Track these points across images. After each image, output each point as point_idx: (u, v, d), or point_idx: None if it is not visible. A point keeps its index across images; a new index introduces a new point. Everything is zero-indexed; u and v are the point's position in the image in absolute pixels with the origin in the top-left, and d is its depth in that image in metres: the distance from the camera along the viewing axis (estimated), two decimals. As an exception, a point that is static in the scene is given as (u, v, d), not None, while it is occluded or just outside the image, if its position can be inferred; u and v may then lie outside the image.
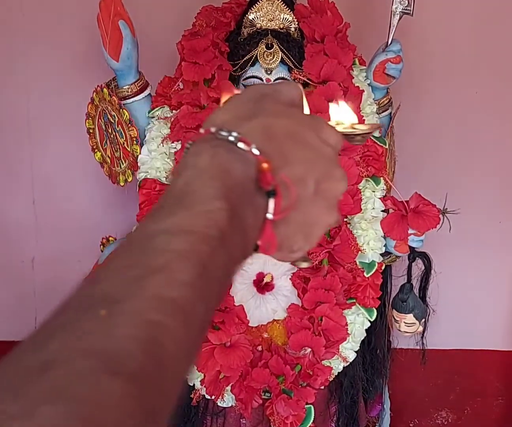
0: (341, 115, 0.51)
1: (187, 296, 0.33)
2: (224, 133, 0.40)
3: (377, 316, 1.25)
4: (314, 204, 0.42)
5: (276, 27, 1.21)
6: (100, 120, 1.30)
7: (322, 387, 1.24)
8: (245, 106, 0.42)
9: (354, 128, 0.50)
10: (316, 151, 0.42)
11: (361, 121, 1.17)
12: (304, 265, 0.47)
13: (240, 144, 0.39)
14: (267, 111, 0.42)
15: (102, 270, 0.35)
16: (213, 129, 0.40)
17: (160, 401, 0.30)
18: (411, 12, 1.21)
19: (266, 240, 0.41)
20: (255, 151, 0.39)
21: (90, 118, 1.32)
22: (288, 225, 0.41)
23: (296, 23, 1.23)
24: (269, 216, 0.40)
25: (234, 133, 0.40)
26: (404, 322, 1.31)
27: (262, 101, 0.43)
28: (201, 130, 0.42)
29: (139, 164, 1.24)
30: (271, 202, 0.40)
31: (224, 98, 0.45)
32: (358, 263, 1.20)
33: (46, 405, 0.26)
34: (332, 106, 0.52)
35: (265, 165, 0.39)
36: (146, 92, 1.26)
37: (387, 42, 1.23)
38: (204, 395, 1.24)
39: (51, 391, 0.27)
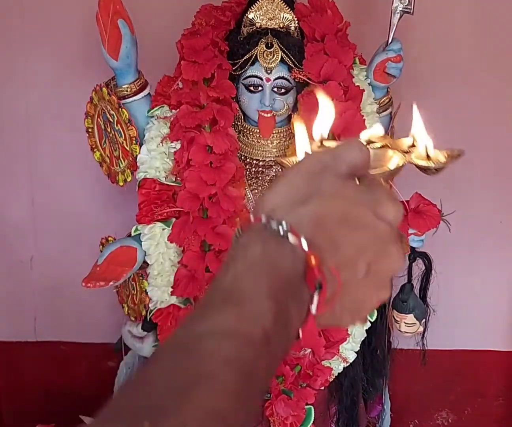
0: (419, 131, 0.47)
1: (231, 407, 0.33)
2: (274, 225, 0.39)
3: (377, 316, 1.24)
4: (364, 286, 0.41)
5: (276, 26, 1.21)
6: (99, 119, 1.29)
7: (322, 388, 1.23)
8: (300, 185, 0.41)
9: (430, 158, 0.46)
10: (370, 232, 0.40)
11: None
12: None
13: (290, 238, 0.38)
14: (322, 193, 0.40)
15: (148, 372, 0.35)
16: (263, 219, 0.40)
17: None
18: (412, 11, 1.21)
19: (308, 332, 0.40)
20: (305, 247, 0.38)
21: (89, 117, 1.31)
22: (333, 310, 0.40)
23: (296, 22, 1.22)
24: (313, 310, 0.39)
25: (284, 226, 0.39)
26: (405, 322, 1.31)
27: (320, 177, 0.41)
28: (251, 217, 0.41)
29: (138, 164, 1.23)
30: (316, 297, 0.39)
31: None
32: (358, 263, 1.20)
33: None
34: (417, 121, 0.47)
35: (313, 261, 0.38)
36: (146, 92, 1.25)
37: (388, 41, 1.23)
38: (203, 396, 1.24)
39: None
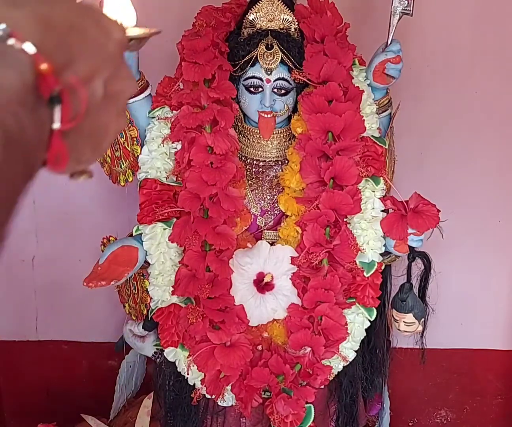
0: (117, 12, 0.43)
1: None
2: None
3: (376, 315, 1.25)
4: (104, 110, 0.37)
5: (276, 28, 1.22)
6: (100, 120, 1.30)
7: (322, 386, 1.24)
8: None
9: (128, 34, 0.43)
10: (100, 46, 0.36)
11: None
12: (83, 178, 0.41)
13: (11, 41, 0.31)
14: None
15: None
16: None
17: None
18: (411, 13, 1.22)
19: (55, 153, 0.35)
20: (31, 49, 0.32)
21: (90, 118, 1.32)
22: (78, 134, 0.36)
23: (296, 23, 1.23)
24: (56, 126, 0.34)
25: (2, 26, 0.31)
26: (404, 322, 1.31)
27: None
28: None
29: (139, 164, 1.24)
30: (57, 111, 0.33)
31: None
32: (358, 263, 1.21)
33: None
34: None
35: (44, 66, 0.32)
36: (147, 93, 1.26)
37: (387, 42, 1.23)
38: (204, 395, 1.25)
39: None
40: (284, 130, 1.28)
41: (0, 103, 0.31)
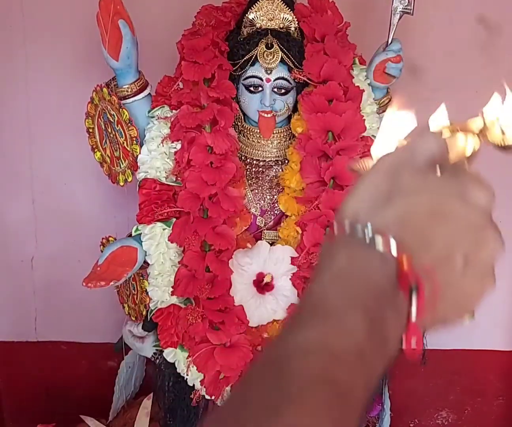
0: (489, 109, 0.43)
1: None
2: (359, 231, 0.37)
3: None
4: (466, 278, 0.38)
5: (276, 27, 1.21)
6: (99, 119, 1.29)
7: (322, 387, 1.24)
8: (379, 186, 0.39)
9: (504, 134, 0.44)
10: (462, 222, 0.38)
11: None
12: (467, 320, 0.42)
13: (377, 242, 0.36)
14: (404, 191, 0.38)
15: (245, 390, 0.34)
16: (346, 227, 0.38)
17: None
18: (412, 11, 1.21)
19: (411, 338, 0.38)
20: (394, 249, 0.36)
21: (89, 117, 1.32)
22: (435, 311, 0.38)
23: (296, 22, 1.23)
24: (413, 318, 0.37)
25: (370, 230, 0.37)
26: (404, 322, 1.31)
27: (398, 175, 0.39)
28: (335, 226, 0.39)
29: (138, 164, 1.24)
30: (414, 302, 0.36)
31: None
32: (358, 263, 1.20)
33: None
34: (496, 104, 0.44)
35: (405, 263, 0.36)
36: (146, 92, 1.25)
37: (387, 41, 1.23)
38: (204, 395, 1.24)
39: None
40: (284, 129, 1.28)
41: (368, 290, 0.35)
